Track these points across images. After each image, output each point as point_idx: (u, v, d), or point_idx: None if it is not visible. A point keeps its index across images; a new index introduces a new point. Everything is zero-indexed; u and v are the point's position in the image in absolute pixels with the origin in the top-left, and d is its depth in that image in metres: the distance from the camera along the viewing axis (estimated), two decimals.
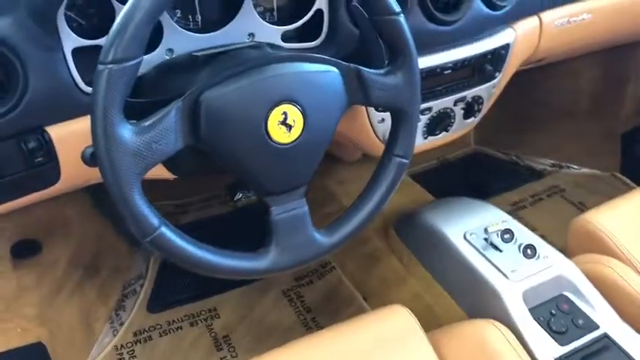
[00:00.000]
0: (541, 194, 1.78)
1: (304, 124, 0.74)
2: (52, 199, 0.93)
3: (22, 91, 0.77)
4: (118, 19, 0.62)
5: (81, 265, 1.30)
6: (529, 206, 1.74)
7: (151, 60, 0.87)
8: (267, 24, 0.94)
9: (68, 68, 0.81)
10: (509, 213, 1.20)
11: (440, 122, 1.13)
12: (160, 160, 0.68)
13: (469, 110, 1.16)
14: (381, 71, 0.80)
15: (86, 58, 0.80)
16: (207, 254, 0.72)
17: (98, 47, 0.71)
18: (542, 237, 1.12)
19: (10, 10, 0.75)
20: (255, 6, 0.94)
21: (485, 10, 1.06)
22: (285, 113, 0.72)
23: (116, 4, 0.82)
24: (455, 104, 1.13)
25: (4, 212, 0.88)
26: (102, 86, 0.62)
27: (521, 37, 1.16)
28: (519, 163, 1.92)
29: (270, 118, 0.71)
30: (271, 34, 0.95)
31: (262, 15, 0.96)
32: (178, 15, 0.90)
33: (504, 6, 1.08)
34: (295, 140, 0.74)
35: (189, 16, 0.91)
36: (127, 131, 0.64)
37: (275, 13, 0.97)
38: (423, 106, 1.09)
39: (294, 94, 0.72)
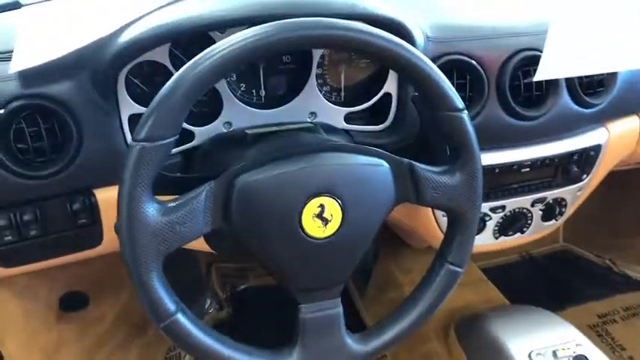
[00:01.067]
0: (636, 309, 1.58)
1: (343, 219, 0.68)
2: (105, 255, 0.92)
3: (74, 152, 0.77)
4: (157, 97, 0.61)
5: (127, 323, 1.29)
6: (620, 321, 1.54)
7: (207, 132, 0.86)
8: (331, 104, 0.90)
9: (123, 134, 0.81)
10: (594, 326, 1.06)
11: (514, 223, 1.03)
12: (184, 243, 0.64)
13: (549, 212, 1.05)
14: (438, 169, 0.73)
15: None
16: (222, 348, 0.67)
17: None
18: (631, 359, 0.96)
19: (73, 74, 0.77)
20: (322, 85, 0.92)
21: (575, 107, 0.96)
22: (322, 206, 0.67)
23: None
24: (532, 205, 1.02)
25: (50, 267, 0.88)
26: (131, 162, 0.60)
27: (616, 139, 1.04)
28: (613, 269, 1.73)
29: (305, 210, 0.66)
30: (334, 114, 0.91)
31: (328, 95, 0.93)
32: (242, 89, 0.89)
33: (597, 104, 0.98)
34: (331, 236, 0.68)
35: (253, 91, 0.90)
36: (151, 210, 0.61)
37: (342, 93, 0.94)
38: (496, 203, 1.00)
39: (334, 186, 0.67)
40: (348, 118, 0.92)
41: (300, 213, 0.66)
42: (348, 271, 0.72)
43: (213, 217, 0.65)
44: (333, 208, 0.67)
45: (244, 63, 0.63)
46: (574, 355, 0.93)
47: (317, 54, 0.87)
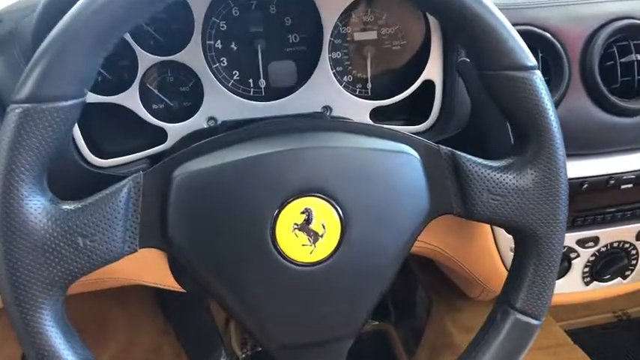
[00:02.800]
0: None
1: (342, 234, 0.44)
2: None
3: None
4: (49, 36, 0.40)
5: None
6: None
7: (184, 130, 0.65)
8: (352, 96, 0.68)
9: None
10: None
11: (612, 263, 0.75)
12: (92, 268, 0.42)
13: None
14: (497, 163, 0.48)
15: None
16: None
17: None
18: None
19: (2, 48, 0.58)
20: (342, 74, 0.69)
21: None
22: (307, 211, 0.43)
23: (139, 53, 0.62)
24: (639, 238, 0.74)
25: None
26: (7, 132, 0.39)
27: None
28: None
29: (281, 217, 0.43)
30: (356, 109, 0.68)
31: (350, 86, 0.70)
32: (236, 77, 0.68)
33: None
34: (324, 260, 0.44)
35: (250, 81, 0.69)
36: (37, 209, 0.40)
37: (369, 85, 0.71)
38: (585, 234, 0.73)
39: (327, 181, 0.43)
40: (377, 115, 0.69)
41: (274, 221, 0.43)
42: (355, 319, 0.47)
43: (139, 229, 0.42)
44: (326, 216, 0.43)
45: None
46: None
47: (328, 30, 0.65)
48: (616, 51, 0.67)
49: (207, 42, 0.66)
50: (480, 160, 0.48)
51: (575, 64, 0.67)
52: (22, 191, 0.39)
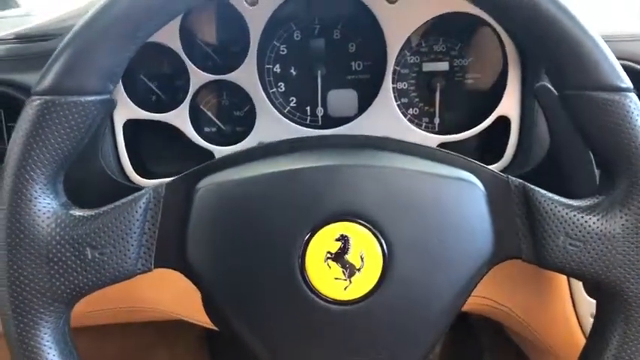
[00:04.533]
0: None
1: (384, 269, 0.37)
2: None
3: None
4: (71, 32, 0.37)
5: None
6: None
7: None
8: (416, 128, 0.62)
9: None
10: None
11: None
12: (100, 286, 0.37)
13: None
14: (579, 203, 0.40)
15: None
16: None
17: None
18: None
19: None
20: (407, 106, 0.64)
21: None
22: (344, 239, 0.37)
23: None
24: None
25: None
26: (24, 125, 0.36)
27: None
28: None
29: (312, 243, 0.37)
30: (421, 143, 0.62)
31: (416, 119, 0.64)
32: (293, 104, 0.64)
33: None
34: (362, 299, 0.37)
35: (308, 108, 0.64)
36: (46, 210, 0.36)
37: (436, 119, 0.65)
38: None
39: (369, 206, 0.37)
40: None
41: (304, 247, 0.37)
42: None
43: (156, 246, 0.38)
44: (366, 246, 0.37)
45: None
46: None
47: (392, 58, 0.60)
48: None
49: (266, 66, 0.63)
50: (557, 198, 0.40)
51: None
52: (32, 191, 0.36)
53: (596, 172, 0.44)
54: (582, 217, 0.39)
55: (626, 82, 0.39)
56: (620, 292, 0.40)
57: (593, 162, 0.43)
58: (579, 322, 0.61)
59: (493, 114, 0.62)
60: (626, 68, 0.57)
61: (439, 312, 0.39)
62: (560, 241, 0.39)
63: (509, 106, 0.61)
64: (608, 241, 0.39)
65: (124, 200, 0.38)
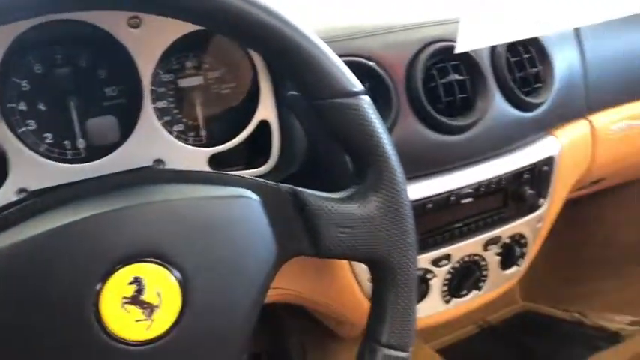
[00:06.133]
0: None
1: (184, 300, 0.38)
2: None
3: None
4: None
5: None
6: None
7: None
8: (186, 146, 0.63)
9: None
10: None
11: (467, 277, 0.77)
12: None
13: (508, 256, 0.80)
14: (339, 195, 0.46)
15: None
16: None
17: None
18: None
19: None
20: (171, 123, 0.65)
21: (512, 110, 0.74)
22: (138, 281, 0.37)
23: None
24: (486, 248, 0.77)
25: None
26: None
27: (570, 149, 0.82)
28: (585, 323, 1.48)
29: (104, 292, 0.36)
30: (192, 159, 0.64)
31: (182, 135, 0.65)
32: (48, 141, 0.60)
33: (538, 105, 0.76)
34: (165, 334, 0.38)
35: (66, 143, 0.61)
36: None
37: (202, 132, 0.66)
38: (437, 253, 0.73)
39: (156, 243, 0.38)
40: (218, 163, 0.65)
41: (96, 298, 0.36)
42: None
43: None
44: (161, 282, 0.38)
45: None
46: None
47: (147, 79, 0.60)
48: (436, 73, 0.70)
49: (9, 105, 0.58)
50: (322, 194, 0.45)
51: (401, 89, 0.68)
52: None
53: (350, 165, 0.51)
54: (345, 206, 0.45)
55: (358, 85, 0.46)
56: (386, 262, 0.47)
57: (346, 157, 0.50)
58: (361, 288, 0.70)
59: (253, 120, 0.66)
60: (359, 65, 0.66)
61: (243, 320, 0.42)
62: (333, 231, 0.45)
63: (266, 111, 0.66)
64: (370, 223, 0.45)
65: None
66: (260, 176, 0.66)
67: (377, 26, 0.71)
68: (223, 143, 0.65)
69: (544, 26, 0.66)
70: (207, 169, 0.65)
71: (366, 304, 0.71)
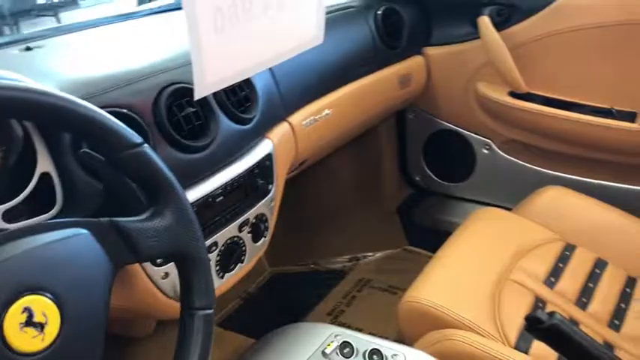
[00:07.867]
0: (352, 292, 1.73)
1: (62, 315, 0.54)
2: None
3: None
4: None
5: None
6: (346, 308, 1.67)
7: None
8: None
9: None
10: (331, 324, 1.10)
11: (232, 255, 1.00)
12: None
13: (257, 232, 1.05)
14: (144, 216, 0.65)
15: None
16: None
17: None
18: (373, 334, 1.01)
19: None
20: None
21: (235, 126, 0.99)
22: (27, 310, 0.51)
23: None
24: (240, 230, 1.01)
25: None
26: None
27: (280, 144, 1.12)
28: (319, 270, 1.87)
29: (5, 323, 0.50)
30: None
31: None
32: None
33: (251, 118, 1.03)
34: (55, 341, 0.53)
35: None
36: None
37: None
38: (207, 242, 0.95)
39: (32, 279, 0.53)
40: (10, 218, 0.75)
41: (1, 330, 0.50)
42: None
43: None
44: (44, 306, 0.53)
45: None
46: (339, 344, 0.94)
47: None
48: (176, 109, 0.90)
49: None
50: (132, 218, 0.63)
51: (153, 126, 0.87)
52: None
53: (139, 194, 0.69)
54: (150, 223, 0.64)
55: (136, 137, 0.64)
56: (187, 253, 0.67)
57: (136, 190, 0.68)
58: (157, 286, 0.88)
59: (36, 173, 0.77)
60: (119, 114, 0.83)
61: (101, 322, 0.58)
62: (146, 242, 0.63)
63: (44, 164, 0.78)
64: (170, 230, 0.65)
65: None
66: (50, 219, 0.79)
67: (123, 74, 0.88)
68: (13, 199, 0.76)
69: (257, 67, 0.89)
70: (4, 224, 0.75)
71: (162, 298, 0.89)
